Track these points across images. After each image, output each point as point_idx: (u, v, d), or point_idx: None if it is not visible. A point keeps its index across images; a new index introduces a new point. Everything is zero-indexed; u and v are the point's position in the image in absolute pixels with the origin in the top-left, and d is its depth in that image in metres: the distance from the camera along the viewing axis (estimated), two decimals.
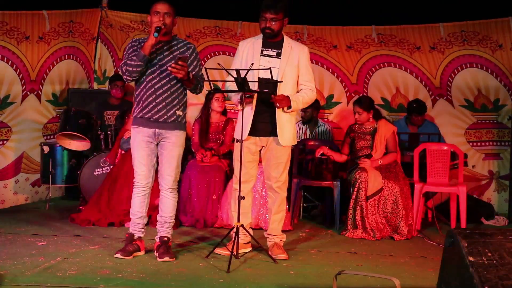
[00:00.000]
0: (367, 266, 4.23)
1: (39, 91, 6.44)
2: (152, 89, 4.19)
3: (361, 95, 6.42)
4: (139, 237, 4.36)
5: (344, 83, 6.83)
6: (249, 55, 4.38)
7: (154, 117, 4.21)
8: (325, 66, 6.84)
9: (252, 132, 4.38)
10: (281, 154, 4.42)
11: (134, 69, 4.13)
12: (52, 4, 6.44)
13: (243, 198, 4.28)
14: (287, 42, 4.43)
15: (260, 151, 4.51)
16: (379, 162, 5.41)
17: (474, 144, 6.61)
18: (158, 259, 4.21)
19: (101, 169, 5.96)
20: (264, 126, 4.39)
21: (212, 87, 4.68)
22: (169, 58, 4.21)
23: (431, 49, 6.63)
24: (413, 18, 6.61)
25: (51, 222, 5.45)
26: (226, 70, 4.30)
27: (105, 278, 3.72)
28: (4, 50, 6.03)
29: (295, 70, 4.37)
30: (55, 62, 6.59)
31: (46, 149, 6.14)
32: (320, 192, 6.09)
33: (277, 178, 4.44)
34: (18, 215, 5.77)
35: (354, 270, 4.00)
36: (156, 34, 4.07)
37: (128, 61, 4.13)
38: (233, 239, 4.27)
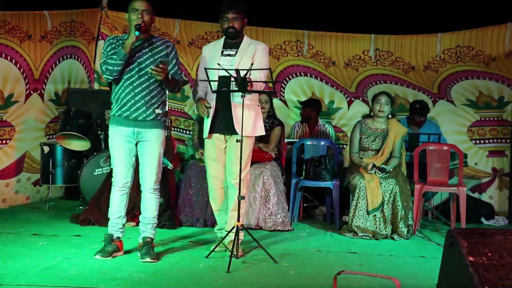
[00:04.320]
0: (367, 266, 4.23)
1: (42, 91, 6.44)
2: (131, 87, 4.16)
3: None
4: (118, 237, 4.29)
5: (343, 92, 6.88)
6: (211, 57, 4.49)
7: (132, 116, 4.17)
8: (324, 81, 6.88)
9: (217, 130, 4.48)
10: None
11: (115, 68, 4.10)
12: (53, 4, 6.44)
13: (243, 198, 4.30)
14: (246, 40, 4.54)
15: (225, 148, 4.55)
16: (388, 169, 5.36)
17: (477, 141, 6.54)
18: (140, 259, 4.17)
19: (101, 169, 5.96)
20: (225, 123, 4.45)
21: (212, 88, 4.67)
22: (147, 56, 4.20)
23: (425, 68, 6.62)
24: (411, 28, 6.59)
25: (51, 222, 5.45)
26: (226, 70, 4.31)
27: (105, 278, 3.72)
28: (7, 48, 6.02)
29: (249, 62, 4.36)
30: (57, 61, 6.59)
31: (46, 149, 6.14)
32: (320, 192, 6.08)
33: (237, 174, 4.40)
34: (18, 214, 5.77)
35: (354, 270, 4.00)
36: (137, 32, 4.06)
37: (108, 60, 4.11)
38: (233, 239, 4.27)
